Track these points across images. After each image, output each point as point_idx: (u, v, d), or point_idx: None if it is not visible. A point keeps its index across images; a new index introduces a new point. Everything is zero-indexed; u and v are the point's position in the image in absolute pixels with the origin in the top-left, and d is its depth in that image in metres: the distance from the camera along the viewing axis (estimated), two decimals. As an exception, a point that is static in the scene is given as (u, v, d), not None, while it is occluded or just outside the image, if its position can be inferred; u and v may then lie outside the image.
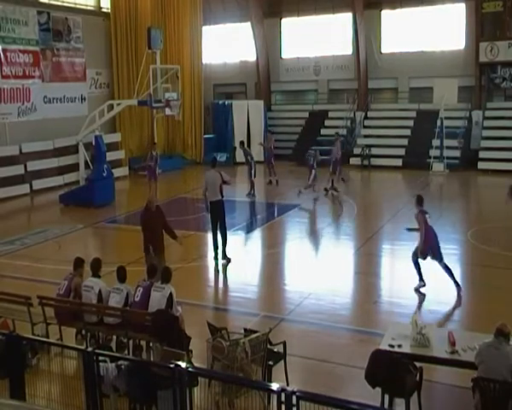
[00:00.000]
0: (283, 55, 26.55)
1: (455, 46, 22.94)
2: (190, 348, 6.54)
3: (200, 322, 7.06)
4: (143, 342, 7.09)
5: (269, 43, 26.23)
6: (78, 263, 7.60)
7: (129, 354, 6.90)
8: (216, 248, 10.83)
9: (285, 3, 25.62)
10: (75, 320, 7.20)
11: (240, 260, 10.99)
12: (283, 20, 26.26)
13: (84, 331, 7.34)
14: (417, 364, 5.57)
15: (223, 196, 10.66)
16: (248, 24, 25.70)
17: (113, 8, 21.74)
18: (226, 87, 27.65)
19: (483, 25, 22.33)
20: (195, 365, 5.72)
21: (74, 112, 20.43)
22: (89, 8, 21.87)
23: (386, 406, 5.39)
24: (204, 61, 25.19)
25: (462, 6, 22.76)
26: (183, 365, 4.74)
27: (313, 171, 16.55)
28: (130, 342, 7.06)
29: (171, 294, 6.80)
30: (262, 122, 24.39)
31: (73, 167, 19.33)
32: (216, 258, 10.77)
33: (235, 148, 24.17)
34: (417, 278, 9.04)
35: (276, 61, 26.54)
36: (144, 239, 8.65)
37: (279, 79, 26.63)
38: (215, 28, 26.77)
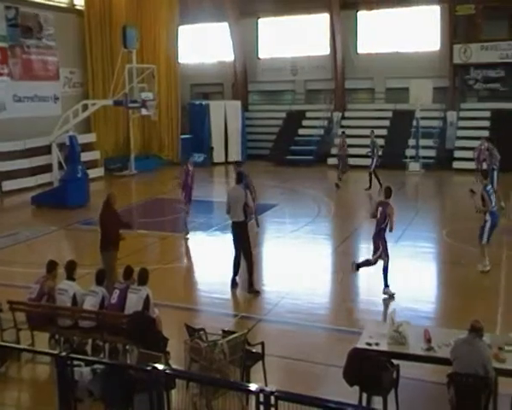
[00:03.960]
0: (260, 55, 26.54)
1: (430, 47, 23.27)
2: (168, 349, 6.45)
3: (177, 323, 6.98)
4: (120, 345, 6.97)
5: (246, 43, 26.16)
6: (52, 266, 7.43)
7: (105, 357, 6.77)
8: (235, 273, 9.20)
9: (261, 3, 25.55)
10: (48, 325, 7.03)
11: (217, 261, 10.92)
12: (260, 20, 26.26)
13: (57, 336, 7.17)
14: (394, 361, 5.60)
15: (246, 217, 9.15)
16: (226, 24, 25.63)
17: (87, 6, 21.41)
18: (203, 87, 27.51)
19: (456, 27, 22.71)
20: (173, 366, 5.64)
21: (47, 111, 20.02)
22: (61, 4, 21.50)
23: (364, 404, 5.40)
24: (181, 61, 25.01)
25: (437, 8, 23.11)
26: (161, 367, 4.66)
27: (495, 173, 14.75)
28: (107, 345, 6.93)
29: (147, 296, 6.71)
30: (239, 122, 24.35)
31: (46, 168, 18.94)
32: (233, 285, 9.24)
33: (212, 148, 24.10)
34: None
35: (254, 61, 26.51)
36: (102, 236, 8.50)
37: (256, 79, 26.61)
38: (192, 28, 26.61)
